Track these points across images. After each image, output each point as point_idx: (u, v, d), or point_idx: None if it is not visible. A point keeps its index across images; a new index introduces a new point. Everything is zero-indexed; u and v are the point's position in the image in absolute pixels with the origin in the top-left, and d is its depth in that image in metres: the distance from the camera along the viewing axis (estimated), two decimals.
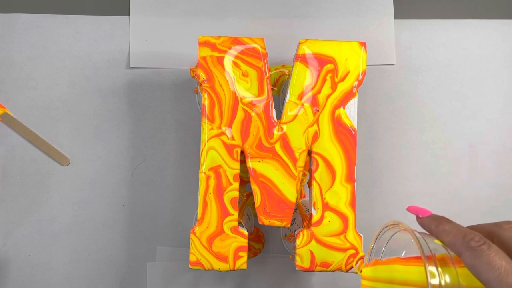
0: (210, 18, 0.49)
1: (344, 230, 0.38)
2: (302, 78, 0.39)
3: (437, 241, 0.30)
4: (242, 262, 0.38)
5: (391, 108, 0.49)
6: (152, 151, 0.48)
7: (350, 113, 0.39)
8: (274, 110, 0.39)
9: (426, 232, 0.32)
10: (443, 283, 0.28)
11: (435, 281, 0.27)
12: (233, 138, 0.38)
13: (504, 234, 0.28)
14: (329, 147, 0.38)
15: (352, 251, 0.38)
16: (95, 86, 0.48)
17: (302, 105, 0.38)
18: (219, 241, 0.37)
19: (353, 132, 0.39)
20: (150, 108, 0.48)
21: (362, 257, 0.38)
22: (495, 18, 0.50)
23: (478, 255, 0.26)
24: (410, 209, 0.33)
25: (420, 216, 0.33)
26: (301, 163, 0.38)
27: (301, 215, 0.42)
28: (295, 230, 0.41)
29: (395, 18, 0.50)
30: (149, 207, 0.48)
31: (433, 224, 0.31)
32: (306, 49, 0.39)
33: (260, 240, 0.48)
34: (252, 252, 0.47)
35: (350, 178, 0.38)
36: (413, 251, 0.30)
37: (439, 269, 0.28)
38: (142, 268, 0.47)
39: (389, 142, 0.49)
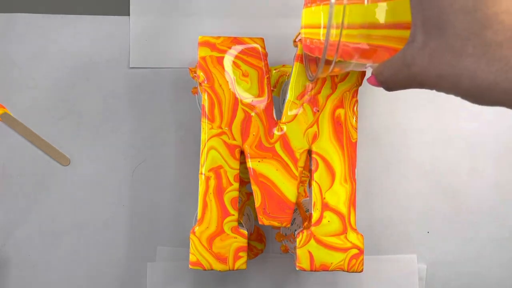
0: (210, 18, 0.49)
1: (344, 230, 0.38)
2: (302, 78, 0.39)
3: None
4: (242, 262, 0.38)
5: (391, 108, 0.49)
6: (152, 151, 0.48)
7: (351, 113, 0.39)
8: (274, 110, 0.39)
9: None
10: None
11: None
12: (233, 138, 0.38)
13: None
14: (328, 147, 0.38)
15: (355, 251, 0.38)
16: (95, 86, 0.48)
17: (302, 105, 0.38)
18: (219, 241, 0.37)
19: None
20: (150, 108, 0.48)
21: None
22: None
23: None
24: None
25: None
26: (301, 163, 0.38)
27: (301, 215, 0.42)
28: (295, 230, 0.41)
29: None
30: (149, 207, 0.48)
31: None
32: None
33: (262, 239, 0.48)
34: (254, 252, 0.47)
35: (350, 178, 0.38)
36: None
37: None
38: (142, 268, 0.47)
39: (389, 142, 0.49)
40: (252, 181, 0.38)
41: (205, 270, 0.37)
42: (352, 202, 0.38)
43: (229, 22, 0.49)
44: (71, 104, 0.48)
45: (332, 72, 0.32)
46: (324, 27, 0.31)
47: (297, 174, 0.38)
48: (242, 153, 0.39)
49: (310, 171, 0.40)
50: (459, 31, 0.22)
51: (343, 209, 0.38)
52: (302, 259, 0.38)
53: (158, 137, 0.48)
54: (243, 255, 0.38)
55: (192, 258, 0.37)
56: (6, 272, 0.47)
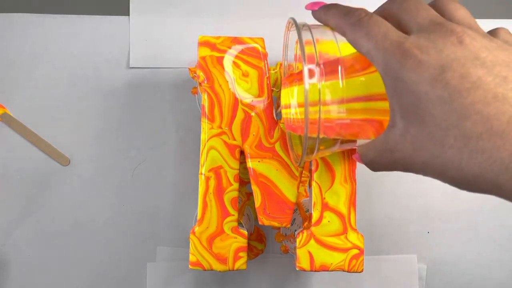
0: (210, 18, 0.49)
1: (345, 231, 0.38)
2: None
3: (326, 28, 0.29)
4: (241, 262, 0.38)
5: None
6: (152, 151, 0.48)
7: None
8: (274, 110, 0.39)
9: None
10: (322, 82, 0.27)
11: (312, 80, 0.27)
12: (233, 138, 0.38)
13: (393, 6, 0.26)
14: None
15: (356, 251, 0.38)
16: (95, 86, 0.48)
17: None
18: (219, 241, 0.37)
19: None
20: (150, 108, 0.48)
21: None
22: (495, 18, 0.50)
23: (358, 29, 0.25)
24: (307, 7, 0.30)
25: (314, 8, 0.30)
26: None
27: (301, 216, 0.42)
28: (295, 230, 0.41)
29: None
30: (149, 207, 0.48)
31: (322, 12, 0.29)
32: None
33: (262, 240, 0.48)
34: (254, 253, 0.47)
35: (350, 178, 0.38)
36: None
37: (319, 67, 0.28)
38: (142, 268, 0.47)
39: None
40: (252, 181, 0.38)
41: (205, 270, 0.37)
42: (352, 202, 0.38)
43: (229, 22, 0.49)
44: (71, 104, 0.48)
45: (320, 153, 0.31)
46: (302, 106, 0.31)
47: (297, 174, 0.38)
48: (242, 153, 0.39)
49: (310, 171, 0.40)
50: (438, 121, 0.22)
51: (343, 209, 0.38)
52: (302, 259, 0.38)
53: (158, 137, 0.48)
54: (243, 255, 0.38)
55: (192, 258, 0.37)
56: (6, 272, 0.47)
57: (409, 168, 0.24)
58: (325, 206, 0.38)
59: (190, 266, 0.37)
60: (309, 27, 0.30)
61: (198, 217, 0.38)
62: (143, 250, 0.48)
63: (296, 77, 0.34)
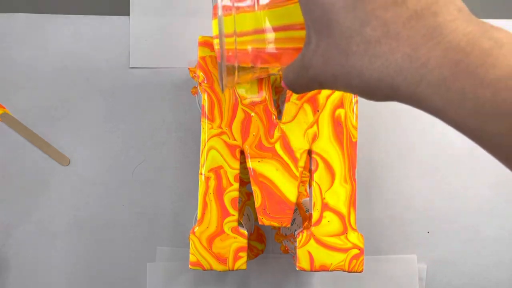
0: (210, 18, 0.49)
1: (345, 231, 0.38)
2: None
3: None
4: (242, 262, 0.38)
5: (391, 108, 0.49)
6: (152, 151, 0.48)
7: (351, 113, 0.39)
8: (274, 110, 0.39)
9: None
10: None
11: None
12: (233, 138, 0.38)
13: None
14: (328, 148, 0.38)
15: (356, 251, 0.38)
16: (95, 86, 0.48)
17: (302, 105, 0.38)
18: (219, 241, 0.37)
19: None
20: (150, 108, 0.48)
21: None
22: (495, 18, 0.50)
23: None
24: None
25: None
26: (302, 163, 0.38)
27: (301, 216, 0.42)
28: (295, 230, 0.41)
29: None
30: (149, 207, 0.48)
31: None
32: None
33: (262, 239, 0.48)
34: (254, 253, 0.47)
35: (350, 178, 0.38)
36: None
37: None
38: (142, 268, 0.47)
39: (389, 142, 0.49)
40: (252, 181, 0.38)
41: (205, 270, 0.37)
42: (352, 202, 0.38)
43: None
44: (71, 104, 0.48)
45: (241, 79, 0.32)
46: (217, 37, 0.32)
47: (297, 174, 0.38)
48: (242, 153, 0.38)
49: (310, 171, 0.39)
50: (344, 29, 0.22)
51: (343, 209, 0.38)
52: (302, 259, 0.38)
53: (158, 137, 0.48)
54: (243, 255, 0.38)
55: (192, 258, 0.37)
56: (6, 272, 0.47)
57: (323, 83, 0.25)
58: (325, 206, 0.38)
59: (190, 266, 0.37)
60: None
61: (198, 217, 0.38)
62: (143, 250, 0.48)
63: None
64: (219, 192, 0.38)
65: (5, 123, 0.48)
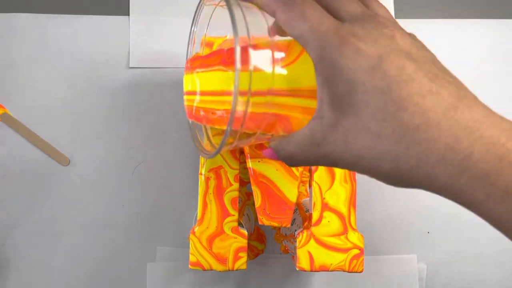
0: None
1: (345, 231, 0.38)
2: None
3: (252, 5, 0.26)
4: (241, 262, 0.38)
5: None
6: (152, 151, 0.48)
7: None
8: None
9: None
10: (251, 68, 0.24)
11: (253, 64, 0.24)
12: None
13: None
14: None
15: (356, 251, 0.38)
16: (95, 86, 0.48)
17: None
18: (219, 241, 0.37)
19: None
20: (150, 108, 0.48)
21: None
22: (495, 18, 0.50)
23: (290, 8, 0.23)
24: None
25: None
26: None
27: (301, 216, 0.42)
28: (295, 230, 0.41)
29: (395, 18, 0.50)
30: (149, 207, 0.48)
31: None
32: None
33: (262, 239, 0.48)
34: (254, 253, 0.47)
35: (350, 178, 0.38)
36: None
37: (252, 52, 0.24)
38: (142, 268, 0.47)
39: None
40: (252, 181, 0.38)
41: (205, 270, 0.37)
42: (352, 202, 0.38)
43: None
44: (71, 104, 0.48)
45: (234, 147, 0.28)
46: (219, 95, 0.28)
47: (297, 174, 0.38)
48: (242, 153, 0.38)
49: (310, 171, 0.39)
50: (375, 112, 0.21)
51: (343, 209, 0.38)
52: (302, 260, 0.38)
53: (158, 137, 0.48)
54: (243, 255, 0.38)
55: (192, 258, 0.37)
56: (6, 272, 0.47)
57: (337, 162, 0.23)
58: (325, 206, 0.38)
59: (190, 266, 0.37)
60: (236, 2, 0.26)
61: (198, 217, 0.38)
62: (143, 250, 0.47)
63: (205, 61, 0.30)
64: (219, 192, 0.38)
65: (5, 123, 0.48)
